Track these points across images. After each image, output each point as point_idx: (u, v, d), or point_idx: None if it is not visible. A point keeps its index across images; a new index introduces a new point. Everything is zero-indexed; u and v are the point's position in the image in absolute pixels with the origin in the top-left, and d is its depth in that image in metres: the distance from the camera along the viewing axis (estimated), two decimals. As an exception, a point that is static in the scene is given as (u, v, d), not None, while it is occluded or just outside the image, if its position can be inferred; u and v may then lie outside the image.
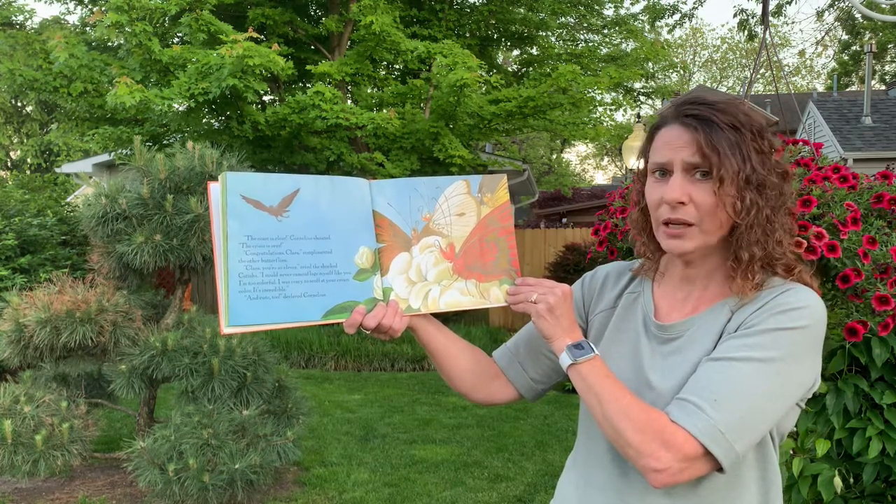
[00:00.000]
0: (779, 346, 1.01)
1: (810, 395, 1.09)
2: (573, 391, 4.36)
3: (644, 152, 1.15)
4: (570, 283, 1.28)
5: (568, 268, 10.10)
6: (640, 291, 1.22)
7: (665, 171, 1.09)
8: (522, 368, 1.29)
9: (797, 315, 1.03)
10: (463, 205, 1.23)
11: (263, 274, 1.07)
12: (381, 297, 1.16)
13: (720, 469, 1.00)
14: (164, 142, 9.06)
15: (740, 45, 33.18)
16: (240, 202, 1.07)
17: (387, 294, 1.16)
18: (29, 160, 26.47)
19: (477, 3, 11.06)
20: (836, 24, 23.86)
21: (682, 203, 1.06)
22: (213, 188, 1.09)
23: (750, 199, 1.04)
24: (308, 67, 8.81)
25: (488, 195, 1.25)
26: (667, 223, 1.09)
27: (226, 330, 1.04)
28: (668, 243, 1.09)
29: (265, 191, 1.09)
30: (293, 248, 1.10)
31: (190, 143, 4.06)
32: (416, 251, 1.19)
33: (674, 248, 1.09)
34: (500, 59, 13.72)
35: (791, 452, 2.33)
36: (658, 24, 15.85)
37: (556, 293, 1.12)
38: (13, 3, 10.40)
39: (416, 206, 1.20)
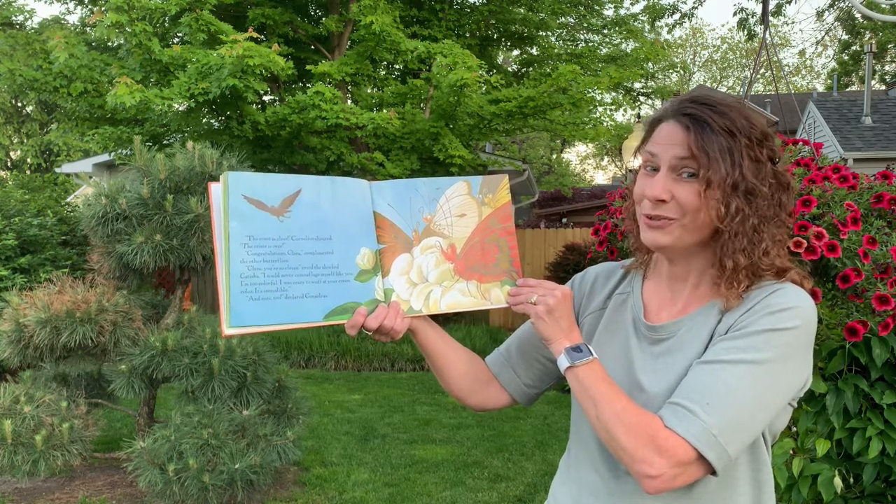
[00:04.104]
0: (770, 348, 1.01)
1: (801, 395, 1.08)
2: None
3: (641, 145, 1.14)
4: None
5: (568, 268, 10.09)
6: (629, 292, 1.21)
7: (654, 167, 1.08)
8: (515, 373, 1.29)
9: (788, 315, 1.02)
10: (464, 206, 1.22)
11: (265, 275, 1.06)
12: (382, 298, 1.15)
13: (713, 472, 1.00)
14: (164, 142, 9.05)
15: (740, 45, 33.18)
16: (241, 202, 1.06)
17: (388, 295, 1.16)
18: (29, 160, 26.47)
19: (477, 3, 11.06)
20: (836, 24, 23.85)
21: (663, 201, 1.05)
22: (214, 188, 1.09)
23: (736, 206, 1.02)
24: (308, 67, 8.81)
25: (489, 196, 1.24)
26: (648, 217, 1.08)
27: (227, 331, 1.03)
28: (646, 235, 1.08)
29: (267, 191, 1.09)
30: (295, 249, 1.09)
31: (190, 143, 4.06)
32: (417, 252, 1.19)
33: (650, 241, 1.08)
34: (500, 59, 13.72)
35: (791, 452, 2.33)
36: (658, 24, 15.85)
37: (555, 295, 1.12)
38: (13, 3, 10.39)
39: (416, 207, 1.20)
